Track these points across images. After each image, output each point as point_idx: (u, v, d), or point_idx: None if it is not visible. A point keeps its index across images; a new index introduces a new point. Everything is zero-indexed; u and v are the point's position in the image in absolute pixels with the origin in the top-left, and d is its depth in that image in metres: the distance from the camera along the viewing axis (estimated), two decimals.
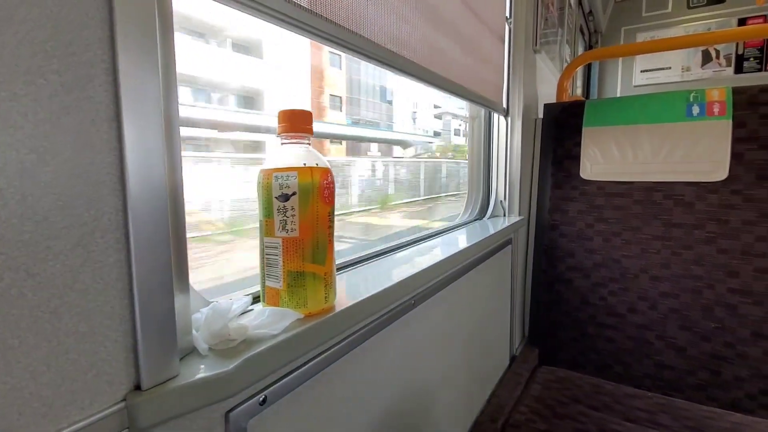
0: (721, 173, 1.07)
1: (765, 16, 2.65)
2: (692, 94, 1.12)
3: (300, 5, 0.46)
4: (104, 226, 0.28)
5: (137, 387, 0.30)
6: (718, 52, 2.74)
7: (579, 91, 2.91)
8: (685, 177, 1.10)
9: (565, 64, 1.93)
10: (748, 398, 1.02)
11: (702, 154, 1.09)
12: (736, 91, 1.08)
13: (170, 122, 0.32)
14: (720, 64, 2.74)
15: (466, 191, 1.25)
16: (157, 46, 0.29)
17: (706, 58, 2.76)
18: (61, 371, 0.26)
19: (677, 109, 1.13)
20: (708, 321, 1.06)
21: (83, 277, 0.27)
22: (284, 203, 0.42)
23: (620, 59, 2.98)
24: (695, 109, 1.12)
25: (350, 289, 0.54)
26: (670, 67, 2.84)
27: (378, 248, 0.78)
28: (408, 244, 0.84)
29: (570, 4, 2.00)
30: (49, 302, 0.25)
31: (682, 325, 1.09)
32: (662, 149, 1.13)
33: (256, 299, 0.47)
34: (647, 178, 1.15)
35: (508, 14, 1.20)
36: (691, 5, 2.81)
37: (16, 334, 0.24)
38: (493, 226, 1.09)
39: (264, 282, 0.44)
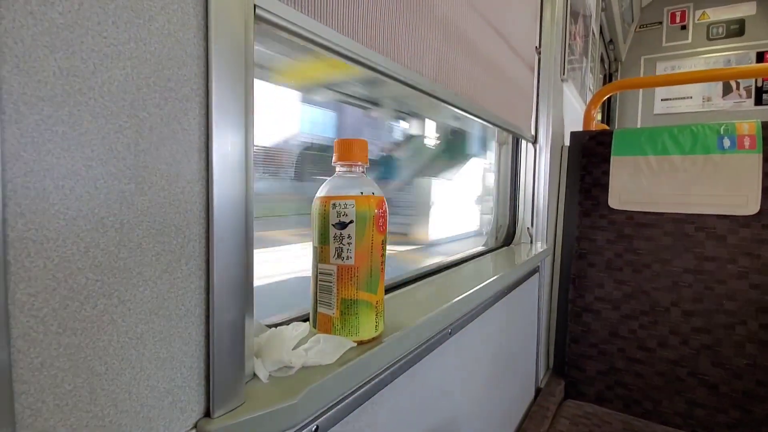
0: (752, 207, 1.05)
1: None
2: (723, 127, 1.12)
3: (361, 44, 0.48)
4: (189, 254, 0.28)
5: (207, 414, 0.30)
6: (738, 83, 2.74)
7: (598, 117, 2.91)
8: (717, 210, 1.09)
9: (589, 93, 1.94)
10: None
11: (733, 187, 1.08)
12: (765, 126, 1.07)
13: (248, 151, 0.32)
14: (740, 96, 2.74)
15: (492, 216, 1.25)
16: (243, 81, 0.30)
17: (727, 89, 2.76)
18: (140, 398, 0.26)
19: (709, 141, 1.12)
20: (740, 358, 1.03)
21: (168, 303, 0.27)
22: (341, 231, 0.42)
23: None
24: (726, 142, 1.11)
25: (391, 317, 0.54)
26: (690, 97, 2.84)
27: (407, 275, 0.77)
28: (437, 271, 0.83)
29: (593, 33, 2.03)
30: (137, 328, 0.26)
31: (714, 362, 1.06)
32: (693, 181, 1.12)
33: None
34: (678, 210, 1.13)
35: (537, 44, 1.22)
36: (710, 37, 2.83)
37: (104, 360, 0.25)
38: (521, 253, 1.08)
39: (316, 308, 0.44)
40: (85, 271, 0.23)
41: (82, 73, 0.23)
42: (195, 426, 0.29)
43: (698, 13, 2.83)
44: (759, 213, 1.03)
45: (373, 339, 0.44)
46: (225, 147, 0.29)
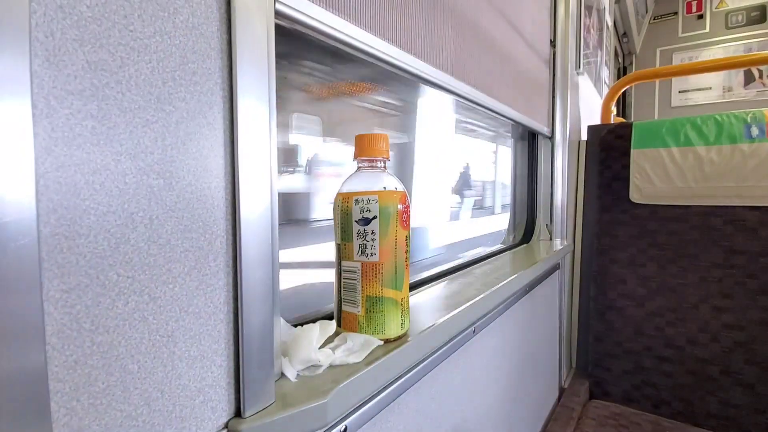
0: None
1: None
2: (750, 115, 1.08)
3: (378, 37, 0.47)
4: (216, 250, 0.28)
5: (237, 413, 0.29)
6: (761, 71, 2.65)
7: (614, 111, 2.86)
8: (747, 201, 1.05)
9: (605, 86, 1.90)
10: None
11: (764, 177, 1.04)
12: None
13: (272, 148, 0.32)
14: (764, 84, 2.66)
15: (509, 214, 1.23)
16: (266, 76, 0.30)
17: (749, 78, 2.68)
18: (172, 397, 0.26)
19: (735, 130, 1.08)
20: None
21: (197, 301, 0.27)
22: (364, 227, 0.41)
23: (657, 80, 2.93)
24: (754, 131, 1.07)
25: (413, 316, 0.53)
26: (710, 87, 2.77)
27: (428, 273, 0.76)
28: (455, 270, 0.82)
29: (607, 26, 1.99)
30: (167, 326, 0.25)
31: (749, 360, 1.02)
32: (720, 172, 1.09)
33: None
34: (704, 202, 1.10)
35: (552, 37, 1.20)
36: (729, 25, 2.75)
37: (136, 359, 0.24)
38: (542, 251, 1.06)
39: (340, 306, 0.43)
40: (116, 268, 0.23)
41: (110, 67, 0.23)
42: (226, 426, 0.29)
43: (716, 1, 2.76)
44: None
45: (399, 337, 0.43)
46: (250, 142, 0.29)
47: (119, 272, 0.23)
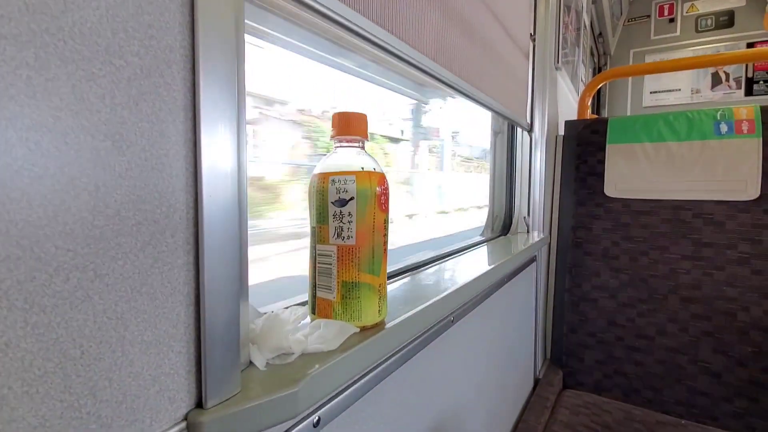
0: (752, 192, 1.05)
1: None
2: (720, 112, 1.11)
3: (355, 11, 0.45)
4: (175, 225, 0.25)
5: (198, 404, 0.27)
6: (727, 74, 2.76)
7: (589, 110, 2.92)
8: (715, 195, 1.08)
9: (581, 84, 1.93)
10: None
11: (732, 173, 1.07)
12: (765, 110, 1.07)
13: (240, 119, 0.30)
14: (730, 87, 2.76)
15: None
16: (233, 34, 0.27)
17: (716, 81, 2.78)
18: (122, 386, 0.23)
19: (705, 126, 1.11)
20: (744, 345, 1.02)
21: (152, 280, 0.24)
22: (341, 209, 0.39)
23: (630, 80, 3.01)
24: (723, 127, 1.10)
25: (391, 305, 0.52)
26: (679, 89, 2.86)
27: (403, 265, 0.75)
28: (435, 261, 0.81)
29: (585, 26, 2.02)
30: (116, 307, 0.23)
31: (716, 349, 1.05)
32: (690, 167, 1.11)
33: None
34: (675, 197, 1.12)
35: (532, 31, 1.20)
36: (699, 29, 2.85)
37: (79, 343, 0.22)
38: (519, 243, 1.06)
39: (315, 292, 0.41)
40: (54, 239, 0.20)
41: (51, 11, 0.20)
42: (185, 418, 0.26)
43: (686, 5, 2.85)
44: (759, 198, 1.03)
45: (376, 325, 0.42)
46: (214, 104, 0.26)
47: (58, 244, 0.20)
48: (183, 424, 0.26)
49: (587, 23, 2.18)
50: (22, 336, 0.20)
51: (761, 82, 2.65)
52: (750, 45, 2.69)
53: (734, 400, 1.02)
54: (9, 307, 0.19)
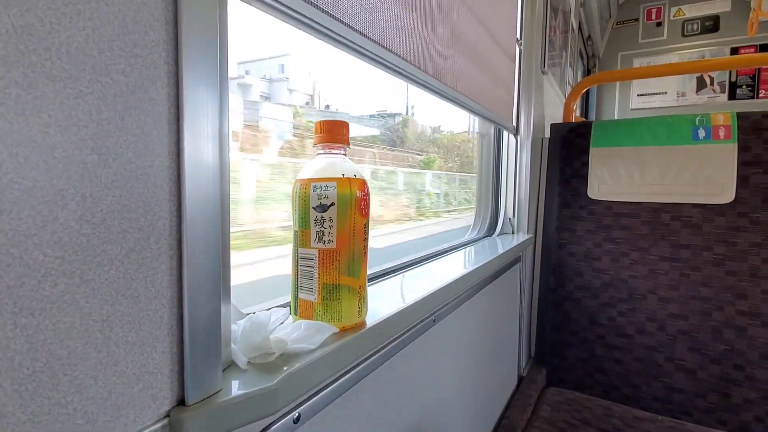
0: (727, 196, 1.08)
1: (756, 45, 2.74)
2: (698, 118, 1.14)
3: (335, 17, 0.46)
4: (159, 232, 0.27)
5: (181, 402, 0.28)
6: (712, 78, 2.82)
7: (577, 113, 2.97)
8: (692, 199, 1.12)
9: (569, 87, 1.96)
10: (757, 421, 1.01)
11: (708, 177, 1.11)
12: (741, 116, 1.10)
13: (222, 128, 0.31)
14: (714, 91, 2.82)
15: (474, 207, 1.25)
16: (216, 51, 0.29)
17: (701, 85, 2.84)
18: (107, 384, 0.25)
19: (684, 132, 1.15)
20: (717, 343, 1.06)
21: (136, 284, 0.26)
22: (322, 214, 0.41)
23: (617, 83, 3.05)
24: (701, 133, 1.14)
25: (374, 306, 0.53)
26: (665, 92, 2.91)
27: (387, 266, 0.76)
28: (419, 262, 0.83)
29: (572, 28, 2.05)
30: (102, 310, 0.24)
31: (691, 347, 1.09)
32: (669, 171, 1.15)
33: None
34: (655, 199, 1.16)
35: (518, 35, 1.22)
36: (685, 33, 2.90)
37: (66, 344, 0.23)
38: (504, 243, 1.09)
39: (296, 294, 0.42)
40: (42, 247, 0.22)
41: (38, 33, 0.21)
42: (168, 414, 0.28)
43: (673, 9, 2.90)
44: (734, 201, 1.06)
45: (356, 325, 0.43)
46: (197, 118, 0.28)
47: (46, 252, 0.22)
48: (165, 421, 0.27)
49: (575, 26, 2.21)
50: (11, 337, 0.21)
51: (744, 86, 2.71)
52: (734, 49, 2.75)
53: (707, 396, 1.05)
54: (0, 311, 0.20)
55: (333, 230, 0.41)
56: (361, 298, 0.44)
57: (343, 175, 0.42)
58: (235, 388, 0.30)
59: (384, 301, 0.55)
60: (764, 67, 2.62)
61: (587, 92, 3.19)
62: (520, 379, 1.23)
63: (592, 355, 1.20)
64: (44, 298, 0.22)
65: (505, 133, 1.24)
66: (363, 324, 0.44)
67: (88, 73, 0.23)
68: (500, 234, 1.22)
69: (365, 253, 0.44)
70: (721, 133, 1.11)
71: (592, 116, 3.15)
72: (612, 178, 1.21)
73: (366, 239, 0.44)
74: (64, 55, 0.22)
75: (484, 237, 1.18)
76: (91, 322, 0.24)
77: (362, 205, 0.43)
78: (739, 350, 1.03)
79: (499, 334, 1.05)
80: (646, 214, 1.16)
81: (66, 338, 0.23)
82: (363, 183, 0.43)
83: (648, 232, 1.16)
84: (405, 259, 0.82)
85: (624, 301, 1.17)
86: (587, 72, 3.09)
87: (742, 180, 1.07)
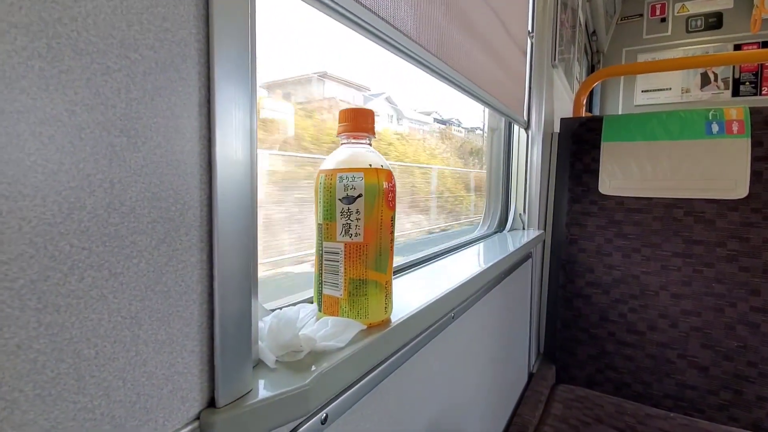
0: (741, 191, 1.07)
1: (759, 42, 2.73)
2: (711, 113, 1.13)
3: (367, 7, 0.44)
4: (189, 222, 0.25)
5: (211, 403, 0.27)
6: (716, 75, 2.80)
7: (584, 108, 2.94)
8: (705, 194, 1.10)
9: (576, 82, 1.94)
10: None
11: (722, 172, 1.09)
12: (753, 111, 1.09)
13: (252, 117, 0.29)
14: (718, 87, 2.81)
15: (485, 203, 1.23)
16: (247, 26, 0.27)
17: (705, 81, 2.83)
18: (136, 386, 0.23)
19: (697, 126, 1.13)
20: (730, 340, 1.05)
21: (166, 278, 0.24)
22: (348, 206, 0.39)
23: (621, 79, 3.03)
24: (714, 127, 1.12)
25: (396, 301, 0.52)
26: (670, 88, 2.90)
27: (400, 263, 0.75)
28: (431, 258, 0.81)
29: (580, 23, 2.03)
30: (131, 306, 0.22)
31: (704, 344, 1.07)
32: (682, 166, 1.13)
33: None
34: (667, 195, 1.14)
35: (530, 28, 1.20)
36: (689, 29, 2.88)
37: (93, 342, 0.21)
38: (515, 240, 1.07)
39: (321, 289, 0.41)
40: (68, 237, 0.20)
41: (63, 0, 0.19)
42: (198, 417, 0.26)
43: (678, 6, 2.88)
44: (747, 197, 1.05)
45: (382, 322, 0.42)
46: (228, 102, 0.26)
47: (72, 242, 0.20)
48: (195, 424, 0.26)
49: (582, 21, 2.19)
50: (34, 337, 0.19)
51: (747, 83, 2.70)
52: (737, 46, 2.73)
53: (720, 393, 1.04)
54: (21, 308, 0.19)
55: (360, 223, 0.39)
56: (388, 294, 0.42)
57: (371, 165, 0.40)
58: (266, 388, 0.28)
59: (404, 297, 0.53)
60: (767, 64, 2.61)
61: (591, 89, 3.17)
62: (530, 376, 1.22)
63: (603, 352, 1.19)
64: (70, 293, 0.20)
65: (516, 128, 1.22)
66: (389, 321, 0.42)
67: (116, 48, 0.21)
68: (511, 230, 1.20)
69: (392, 247, 0.42)
70: (735, 128, 1.09)
71: (596, 112, 3.13)
72: (623, 173, 1.20)
73: (392, 233, 0.42)
74: (91, 26, 0.20)
75: (495, 233, 1.17)
76: (120, 319, 0.22)
77: (389, 197, 0.41)
78: (752, 347, 1.02)
79: (510, 331, 1.04)
80: (658, 209, 1.15)
81: (94, 337, 0.21)
82: (390, 174, 0.41)
83: (660, 228, 1.14)
84: (416, 256, 0.80)
85: (635, 298, 1.15)
86: (591, 68, 3.07)
87: (755, 175, 1.05)
